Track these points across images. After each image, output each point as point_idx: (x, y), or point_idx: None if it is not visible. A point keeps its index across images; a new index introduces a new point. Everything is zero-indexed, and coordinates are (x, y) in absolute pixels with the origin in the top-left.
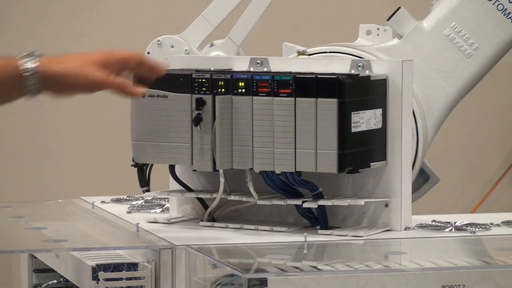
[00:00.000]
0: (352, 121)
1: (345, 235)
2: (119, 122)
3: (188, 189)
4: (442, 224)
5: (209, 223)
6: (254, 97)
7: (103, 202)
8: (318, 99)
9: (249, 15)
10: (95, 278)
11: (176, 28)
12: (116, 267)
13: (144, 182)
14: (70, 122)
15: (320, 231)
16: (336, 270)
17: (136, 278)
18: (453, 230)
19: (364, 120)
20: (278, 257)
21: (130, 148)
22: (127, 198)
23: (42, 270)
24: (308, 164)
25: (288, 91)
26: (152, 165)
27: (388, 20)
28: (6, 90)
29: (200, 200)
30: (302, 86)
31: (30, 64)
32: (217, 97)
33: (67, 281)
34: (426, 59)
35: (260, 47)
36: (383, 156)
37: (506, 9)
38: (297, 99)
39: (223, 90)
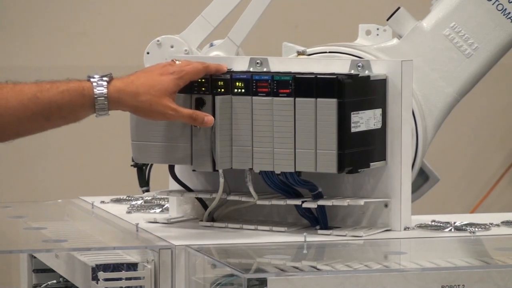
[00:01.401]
0: (352, 121)
1: (345, 235)
2: (119, 122)
3: (188, 189)
4: (441, 224)
5: (208, 223)
6: (254, 97)
7: (102, 202)
8: (318, 99)
9: (249, 15)
10: (95, 278)
11: (175, 28)
12: (116, 267)
13: (144, 182)
14: None
15: (319, 231)
16: (335, 270)
17: (135, 278)
18: (452, 230)
19: (364, 120)
20: (277, 257)
21: (129, 148)
22: (127, 198)
23: (42, 270)
24: (307, 164)
25: (288, 91)
26: (151, 165)
27: (387, 20)
28: (77, 113)
29: (200, 200)
30: (301, 86)
31: (101, 93)
32: (216, 97)
33: (67, 281)
34: (425, 59)
35: (260, 47)
36: (382, 156)
37: (505, 9)
38: (296, 99)
39: (222, 90)
